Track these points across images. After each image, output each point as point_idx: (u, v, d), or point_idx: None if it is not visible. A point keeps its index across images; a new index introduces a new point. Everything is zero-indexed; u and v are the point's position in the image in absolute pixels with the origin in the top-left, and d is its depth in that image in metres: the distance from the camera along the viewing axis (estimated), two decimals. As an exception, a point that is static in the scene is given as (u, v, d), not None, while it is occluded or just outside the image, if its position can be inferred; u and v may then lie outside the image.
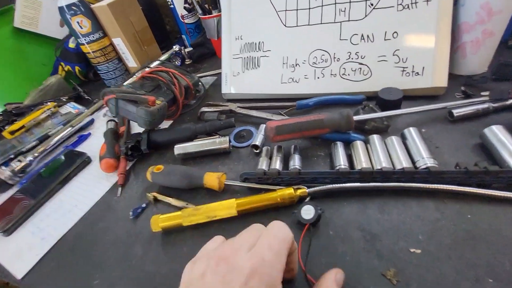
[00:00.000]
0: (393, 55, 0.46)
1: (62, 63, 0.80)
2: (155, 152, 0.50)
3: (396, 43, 0.45)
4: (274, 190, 0.35)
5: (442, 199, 0.31)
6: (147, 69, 0.56)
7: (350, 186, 0.33)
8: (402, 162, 0.34)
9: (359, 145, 0.38)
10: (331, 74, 0.50)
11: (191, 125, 0.48)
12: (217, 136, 0.47)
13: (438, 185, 0.31)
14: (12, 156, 0.53)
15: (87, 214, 0.43)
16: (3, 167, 0.51)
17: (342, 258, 0.29)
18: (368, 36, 0.47)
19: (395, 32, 0.45)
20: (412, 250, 0.28)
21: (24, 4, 0.73)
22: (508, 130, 0.34)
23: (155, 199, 0.41)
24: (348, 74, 0.49)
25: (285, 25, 0.51)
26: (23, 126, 0.60)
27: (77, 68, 0.80)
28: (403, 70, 0.45)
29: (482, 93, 0.40)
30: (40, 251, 0.39)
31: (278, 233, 0.22)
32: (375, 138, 0.38)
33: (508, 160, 0.31)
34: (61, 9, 0.61)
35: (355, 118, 0.40)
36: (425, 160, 0.33)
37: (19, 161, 0.52)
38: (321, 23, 0.49)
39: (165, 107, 0.49)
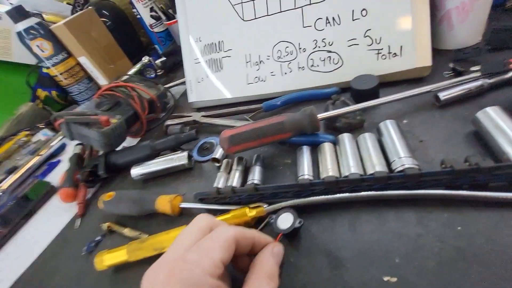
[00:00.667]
0: (365, 36, 0.39)
1: (39, 90, 0.79)
2: (117, 175, 0.47)
3: (366, 22, 0.39)
4: (228, 211, 0.30)
5: (425, 207, 0.25)
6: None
7: (312, 200, 0.28)
8: (375, 165, 0.28)
9: (326, 148, 0.32)
10: (299, 68, 0.44)
11: (150, 142, 0.44)
12: (179, 152, 0.43)
13: (418, 191, 0.25)
14: (-20, 193, 0.51)
15: (44, 251, 0.40)
16: (-30, 205, 0.49)
17: (301, 293, 0.24)
18: (333, 18, 0.40)
19: (364, 9, 0.39)
20: (386, 278, 0.22)
21: (-7, 34, 0.72)
22: (507, 111, 0.27)
23: (110, 230, 0.37)
24: (317, 65, 0.43)
25: (243, 19, 0.46)
26: (-6, 160, 0.59)
27: (54, 93, 0.79)
28: (378, 53, 0.39)
29: (473, 68, 0.33)
30: (-7, 298, 0.36)
31: (215, 232, 0.22)
32: (345, 138, 0.32)
33: (507, 150, 0.24)
34: (19, 34, 0.59)
35: (320, 116, 0.34)
36: (402, 160, 0.27)
37: (-13, 197, 0.50)
38: (281, 11, 0.44)
39: (122, 125, 0.45)
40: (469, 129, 0.30)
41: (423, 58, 0.37)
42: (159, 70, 0.71)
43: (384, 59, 0.39)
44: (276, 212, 0.28)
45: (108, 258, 0.31)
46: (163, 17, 0.67)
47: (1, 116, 0.73)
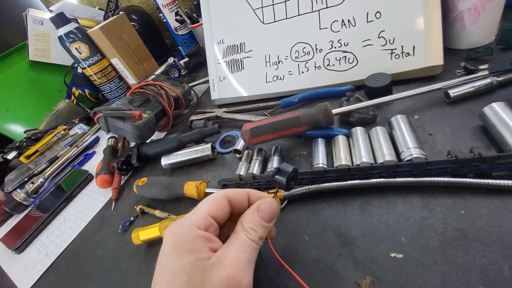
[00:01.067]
0: (379, 37, 0.42)
1: (74, 88, 0.86)
2: (148, 165, 0.52)
3: (380, 24, 0.41)
4: (249, 195, 0.34)
5: (431, 194, 0.28)
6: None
7: (326, 187, 0.31)
8: (385, 155, 0.30)
9: (340, 140, 0.35)
10: (316, 67, 0.47)
11: (177, 135, 0.48)
12: (203, 144, 0.47)
13: (423, 178, 0.27)
14: (26, 179, 0.58)
15: (84, 230, 0.45)
16: (18, 190, 0.55)
17: (316, 266, 0.26)
18: (349, 20, 0.43)
19: (378, 11, 0.41)
20: (392, 255, 0.25)
21: (35, 38, 0.80)
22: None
23: (143, 212, 0.42)
24: (333, 65, 0.45)
25: (263, 23, 0.50)
26: (37, 151, 0.66)
27: (87, 91, 0.86)
28: (392, 53, 0.41)
29: (481, 67, 0.35)
30: (42, 267, 0.41)
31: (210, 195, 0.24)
32: (358, 131, 0.35)
33: (511, 141, 0.26)
34: (60, 38, 0.65)
35: (335, 111, 0.37)
36: (410, 150, 0.29)
37: (32, 183, 0.57)
38: (298, 15, 0.47)
39: (152, 120, 0.50)
40: (477, 123, 0.32)
41: (435, 57, 0.39)
42: (183, 70, 0.76)
43: (397, 58, 0.41)
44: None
45: (143, 234, 0.35)
46: (188, 21, 0.72)
47: (41, 111, 0.81)
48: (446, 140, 0.32)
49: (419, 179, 0.27)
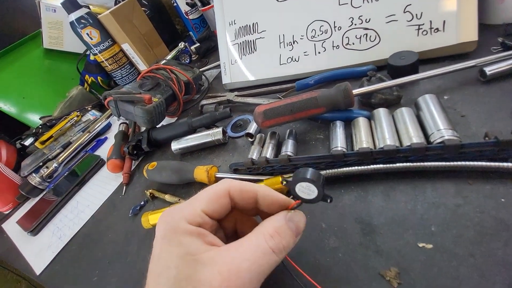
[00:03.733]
0: (404, 12, 0.38)
1: (86, 75, 0.86)
2: (158, 150, 0.51)
3: (406, -3, 0.38)
4: (262, 180, 0.32)
5: (466, 180, 0.25)
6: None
7: (346, 171, 0.28)
8: (412, 137, 0.27)
9: (361, 122, 0.32)
10: (333, 46, 0.44)
11: (187, 119, 0.47)
12: (214, 128, 0.45)
13: (457, 163, 0.24)
14: (41, 164, 0.58)
15: (96, 213, 0.45)
16: (34, 174, 0.56)
17: (334, 254, 0.25)
18: (371, -6, 0.40)
19: (404, -17, 0.37)
20: (421, 245, 0.22)
21: (48, 26, 0.80)
22: None
23: (153, 196, 0.41)
24: (353, 43, 0.42)
25: (277, 0, 0.47)
26: (51, 136, 0.66)
27: (99, 78, 0.86)
28: (419, 29, 0.38)
29: (525, 40, 0.31)
30: (56, 249, 0.41)
31: (211, 185, 0.22)
32: (381, 112, 0.32)
33: (562, 122, 0.23)
34: (71, 23, 0.65)
35: (356, 91, 0.34)
36: (441, 132, 0.26)
37: (47, 167, 0.57)
38: (316, -10, 0.43)
39: (162, 104, 0.49)
40: (518, 103, 0.28)
41: (468, 33, 0.35)
42: (193, 56, 0.74)
43: (425, 34, 0.37)
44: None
45: (153, 218, 0.34)
46: (198, 3, 0.70)
47: (55, 98, 0.81)
48: (481, 122, 0.29)
49: (452, 163, 0.25)
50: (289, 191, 0.21)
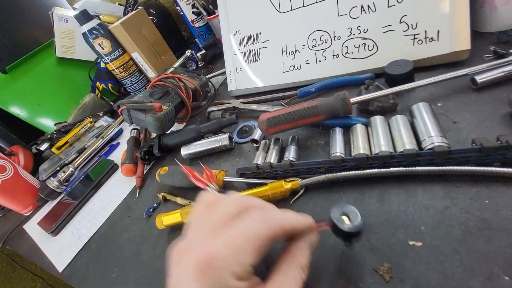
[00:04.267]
0: (400, 22, 0.40)
1: (98, 82, 0.90)
2: (168, 155, 0.54)
3: (401, 8, 0.40)
4: (266, 184, 0.34)
5: (454, 183, 0.27)
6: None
7: (344, 175, 0.31)
8: (406, 144, 0.30)
9: (358, 129, 0.34)
10: (333, 55, 0.46)
11: (196, 125, 0.49)
12: (221, 134, 0.48)
13: (446, 167, 0.27)
14: (58, 168, 0.62)
15: (112, 215, 0.48)
16: (52, 178, 0.60)
17: (332, 252, 0.27)
18: (368, 6, 0.42)
19: (400, -5, 0.39)
20: (411, 243, 0.25)
21: (61, 35, 0.84)
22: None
23: (165, 199, 0.44)
24: (352, 52, 0.44)
25: (279, 12, 0.49)
26: (67, 142, 0.70)
27: (110, 85, 0.89)
28: (414, 38, 0.40)
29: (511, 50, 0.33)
30: (76, 249, 0.45)
31: (250, 226, 0.20)
32: (377, 120, 0.34)
33: (543, 129, 0.25)
34: (84, 34, 0.68)
35: (353, 99, 0.36)
36: (432, 139, 0.28)
37: (64, 172, 0.61)
38: (316, 2, 0.46)
39: (172, 112, 0.52)
40: (506, 110, 0.30)
41: (461, 42, 0.37)
42: (200, 62, 0.77)
43: (420, 44, 0.39)
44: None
45: (166, 219, 0.37)
46: (204, 13, 0.73)
47: (68, 105, 0.85)
48: (472, 128, 0.31)
49: (441, 168, 0.27)
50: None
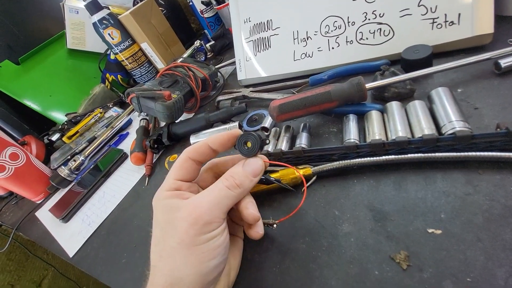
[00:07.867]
0: (419, 6, 0.38)
1: (107, 74, 0.90)
2: (177, 144, 0.53)
3: (420, -9, 0.38)
4: (277, 171, 0.34)
5: (476, 170, 0.26)
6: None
7: (358, 162, 0.30)
8: (424, 129, 0.28)
9: (373, 115, 0.33)
10: (347, 42, 0.44)
11: (204, 114, 0.49)
12: (230, 123, 0.47)
13: (468, 153, 0.25)
14: (69, 157, 0.63)
15: (121, 202, 0.48)
16: (63, 167, 0.60)
17: (346, 239, 0.26)
18: (385, -11, 0.40)
19: (419, -23, 0.38)
20: (430, 230, 0.24)
21: (72, 26, 0.84)
22: None
23: (174, 187, 0.43)
24: (367, 38, 0.43)
25: (291, -3, 0.48)
26: (77, 131, 0.71)
27: (119, 77, 0.89)
28: (433, 22, 0.38)
29: (542, 32, 0.31)
30: (86, 235, 0.45)
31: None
32: (393, 105, 0.33)
33: None
34: (94, 24, 0.68)
35: (369, 85, 0.35)
36: (453, 123, 0.27)
37: (74, 160, 0.61)
38: (329, -13, 0.44)
39: (181, 100, 0.51)
40: (533, 95, 0.28)
41: (484, 25, 0.35)
42: (209, 53, 0.76)
43: (440, 28, 0.38)
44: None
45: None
46: (214, 2, 0.72)
47: (79, 96, 0.86)
48: (495, 114, 0.29)
49: (463, 153, 0.26)
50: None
